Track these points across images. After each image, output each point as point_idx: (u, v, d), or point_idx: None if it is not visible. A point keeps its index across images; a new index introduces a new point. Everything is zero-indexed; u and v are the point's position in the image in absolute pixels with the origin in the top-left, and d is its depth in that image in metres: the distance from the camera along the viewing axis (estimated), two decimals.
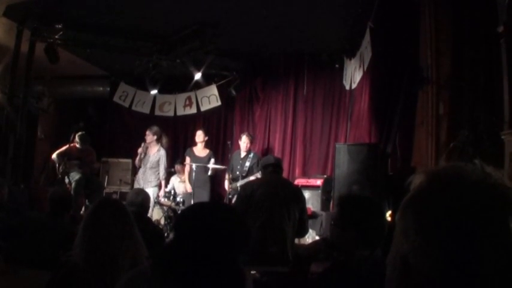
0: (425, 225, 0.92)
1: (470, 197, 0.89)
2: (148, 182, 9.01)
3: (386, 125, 7.03)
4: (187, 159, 9.38)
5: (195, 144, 9.60)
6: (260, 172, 6.20)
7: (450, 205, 0.90)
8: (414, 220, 0.94)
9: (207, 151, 9.45)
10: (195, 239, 1.71)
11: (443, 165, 0.99)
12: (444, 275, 0.88)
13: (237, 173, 8.98)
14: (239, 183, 8.62)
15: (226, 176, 9.02)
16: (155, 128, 9.29)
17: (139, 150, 9.16)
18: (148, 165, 9.13)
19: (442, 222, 0.90)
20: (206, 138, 9.54)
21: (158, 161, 9.17)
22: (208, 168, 9.03)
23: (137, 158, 9.23)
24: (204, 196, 9.01)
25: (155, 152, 9.19)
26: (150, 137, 9.18)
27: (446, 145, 5.47)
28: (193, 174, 9.04)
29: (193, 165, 9.07)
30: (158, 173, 9.21)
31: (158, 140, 9.25)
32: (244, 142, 9.06)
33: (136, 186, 9.02)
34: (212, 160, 9.06)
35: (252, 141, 9.27)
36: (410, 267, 0.92)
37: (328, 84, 9.75)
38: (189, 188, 9.17)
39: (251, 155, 9.01)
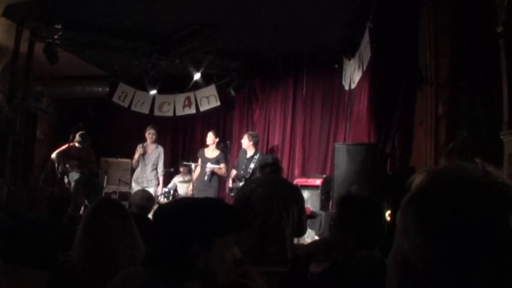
0: (425, 223, 0.92)
1: (471, 195, 0.90)
2: (150, 181, 9.07)
3: (386, 125, 7.03)
4: (199, 161, 9.38)
5: (207, 145, 9.56)
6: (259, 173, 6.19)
7: (450, 203, 0.90)
8: (415, 218, 0.94)
9: (217, 152, 9.40)
10: (161, 233, 1.72)
11: (444, 164, 0.99)
12: (444, 273, 0.88)
13: (241, 172, 8.97)
14: (241, 184, 8.63)
15: (232, 174, 9.01)
16: (155, 126, 9.40)
17: (140, 150, 9.17)
18: (150, 164, 9.20)
19: (442, 219, 0.90)
20: (217, 139, 9.48)
21: (158, 158, 9.28)
22: (210, 171, 9.05)
23: (135, 159, 9.25)
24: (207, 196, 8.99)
25: (153, 150, 9.27)
26: (152, 135, 9.29)
27: (445, 145, 5.47)
28: (194, 175, 9.08)
29: (192, 165, 9.10)
30: (157, 171, 9.28)
31: (156, 139, 9.38)
32: (244, 142, 9.10)
33: (136, 186, 9.00)
34: (209, 163, 9.05)
35: (254, 141, 9.20)
36: (410, 265, 0.92)
37: (327, 84, 9.74)
38: (191, 189, 9.26)
39: (257, 156, 8.95)
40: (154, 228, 1.77)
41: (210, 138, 9.38)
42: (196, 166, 9.23)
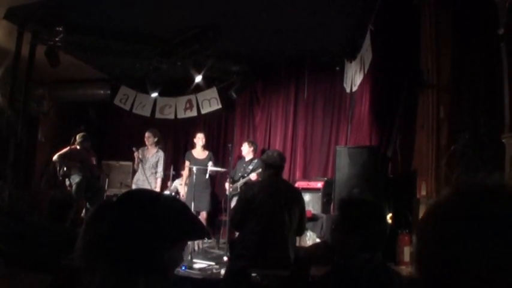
0: (423, 232, 0.95)
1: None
2: (149, 184, 9.04)
3: (387, 128, 7.04)
4: (187, 163, 9.39)
5: (194, 146, 9.61)
6: (261, 169, 6.15)
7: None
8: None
9: (206, 153, 9.46)
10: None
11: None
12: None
13: (239, 174, 8.99)
14: (239, 183, 8.64)
15: (228, 180, 9.01)
16: (155, 130, 9.43)
17: (137, 154, 9.20)
18: (149, 167, 9.21)
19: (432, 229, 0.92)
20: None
21: (157, 162, 9.29)
22: (207, 170, 9.04)
23: (136, 162, 9.29)
24: (205, 199, 9.03)
25: (154, 154, 9.29)
26: (151, 138, 9.29)
27: (446, 148, 5.47)
28: (194, 177, 9.05)
29: (194, 168, 9.09)
30: (157, 174, 9.31)
31: (157, 142, 9.36)
32: (243, 147, 9.17)
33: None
34: (210, 162, 9.07)
35: (254, 147, 9.28)
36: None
37: (329, 87, 9.74)
38: (184, 191, 9.32)
39: (255, 161, 9.00)
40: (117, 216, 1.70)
41: (202, 139, 9.43)
42: (190, 168, 9.24)
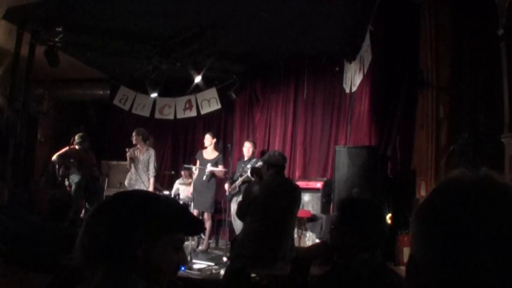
0: (426, 225, 0.94)
1: (466, 197, 0.91)
2: (142, 183, 9.01)
3: (387, 128, 7.04)
4: (197, 162, 9.36)
5: (205, 146, 9.55)
6: (258, 164, 6.13)
7: (447, 205, 0.92)
8: (418, 222, 0.96)
9: (216, 154, 9.40)
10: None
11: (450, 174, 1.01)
12: (444, 273, 0.90)
13: (238, 174, 8.98)
14: (237, 183, 8.63)
15: (228, 181, 9.00)
16: (140, 129, 9.32)
17: (129, 154, 9.15)
18: (140, 166, 9.14)
19: (440, 222, 0.92)
20: (214, 140, 9.48)
21: (149, 160, 9.22)
22: (209, 171, 9.03)
23: (128, 162, 9.23)
24: (206, 200, 8.99)
25: (144, 152, 9.22)
26: (135, 138, 9.18)
27: (446, 148, 5.48)
28: (194, 177, 9.06)
29: (193, 168, 9.09)
30: (149, 173, 9.26)
31: (145, 141, 9.27)
32: (246, 147, 9.11)
33: (129, 189, 8.98)
34: (209, 164, 9.04)
35: (254, 147, 9.25)
36: (417, 268, 0.94)
37: (328, 87, 9.74)
38: (190, 191, 9.26)
39: (254, 160, 8.99)
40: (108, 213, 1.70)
41: (208, 139, 9.37)
42: (197, 168, 9.21)
